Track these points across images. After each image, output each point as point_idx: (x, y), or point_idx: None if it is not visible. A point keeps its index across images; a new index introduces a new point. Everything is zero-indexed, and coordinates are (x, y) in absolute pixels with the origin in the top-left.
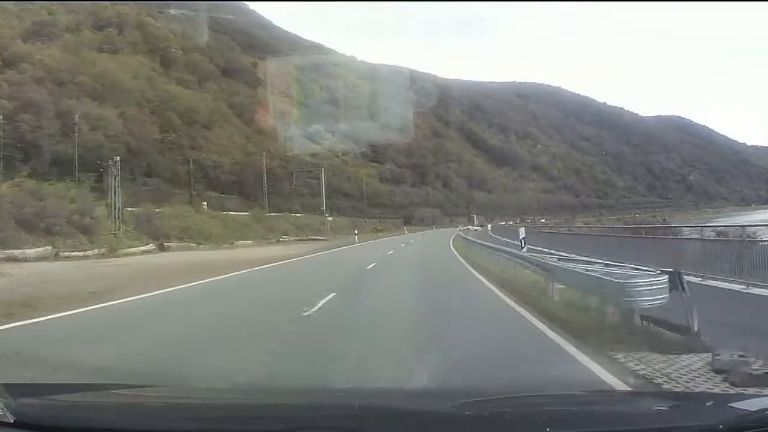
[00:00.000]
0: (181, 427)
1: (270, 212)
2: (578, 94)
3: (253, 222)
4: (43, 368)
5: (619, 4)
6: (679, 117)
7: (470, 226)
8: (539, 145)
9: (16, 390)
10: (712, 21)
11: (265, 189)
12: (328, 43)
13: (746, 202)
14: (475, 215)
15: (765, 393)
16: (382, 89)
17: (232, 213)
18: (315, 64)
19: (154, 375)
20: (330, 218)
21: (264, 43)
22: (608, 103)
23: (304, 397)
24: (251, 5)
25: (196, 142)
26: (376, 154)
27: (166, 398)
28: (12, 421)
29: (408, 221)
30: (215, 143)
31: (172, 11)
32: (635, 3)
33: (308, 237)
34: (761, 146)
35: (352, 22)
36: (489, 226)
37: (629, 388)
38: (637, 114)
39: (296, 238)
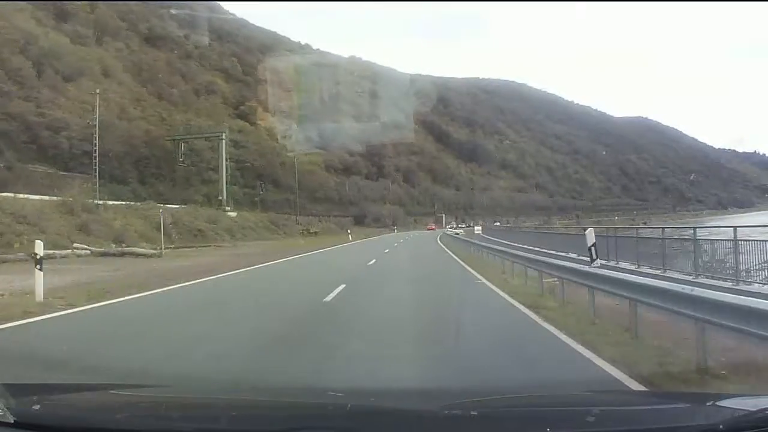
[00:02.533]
0: (181, 427)
1: (127, 200)
2: (545, 92)
3: (58, 214)
4: None
5: (581, 5)
6: (646, 118)
7: (448, 228)
8: (507, 141)
9: (16, 390)
10: (676, 23)
11: (95, 157)
12: (281, 31)
13: (723, 206)
14: (444, 215)
15: (765, 393)
16: (342, 79)
17: (5, 195)
18: (264, 46)
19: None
20: (232, 213)
21: (204, 19)
22: (576, 102)
23: (303, 397)
24: None
25: (39, 93)
26: (322, 139)
27: (166, 398)
28: (12, 421)
29: (359, 220)
30: (76, 100)
31: None
32: (595, 3)
33: (125, 250)
34: (728, 149)
35: (309, 13)
36: (478, 228)
37: (629, 388)
38: (605, 113)
39: (101, 250)
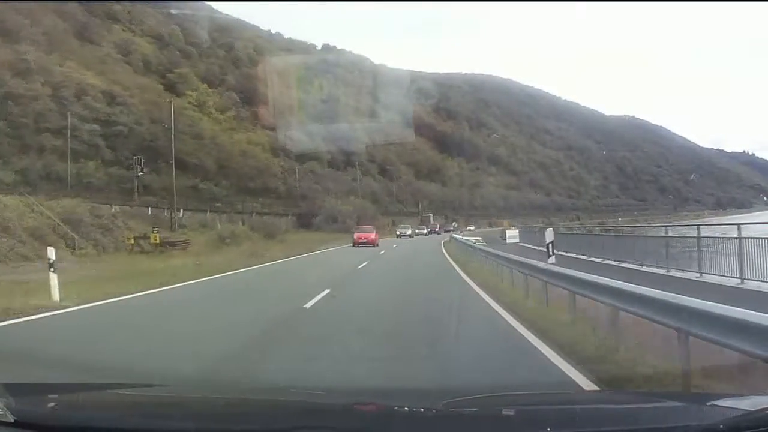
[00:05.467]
0: (181, 427)
1: None
2: (531, 87)
3: None
4: None
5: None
6: (634, 117)
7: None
8: (495, 135)
9: (16, 390)
10: (659, 22)
11: None
12: (250, 20)
13: (722, 206)
14: (431, 215)
15: (765, 393)
16: (315, 67)
17: None
18: (222, 27)
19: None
20: None
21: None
22: (563, 98)
23: (303, 397)
24: None
25: None
26: (275, 120)
27: (166, 398)
28: (12, 421)
29: (306, 221)
30: None
31: None
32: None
33: None
34: (716, 149)
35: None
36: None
37: (628, 389)
38: (594, 110)
39: None
